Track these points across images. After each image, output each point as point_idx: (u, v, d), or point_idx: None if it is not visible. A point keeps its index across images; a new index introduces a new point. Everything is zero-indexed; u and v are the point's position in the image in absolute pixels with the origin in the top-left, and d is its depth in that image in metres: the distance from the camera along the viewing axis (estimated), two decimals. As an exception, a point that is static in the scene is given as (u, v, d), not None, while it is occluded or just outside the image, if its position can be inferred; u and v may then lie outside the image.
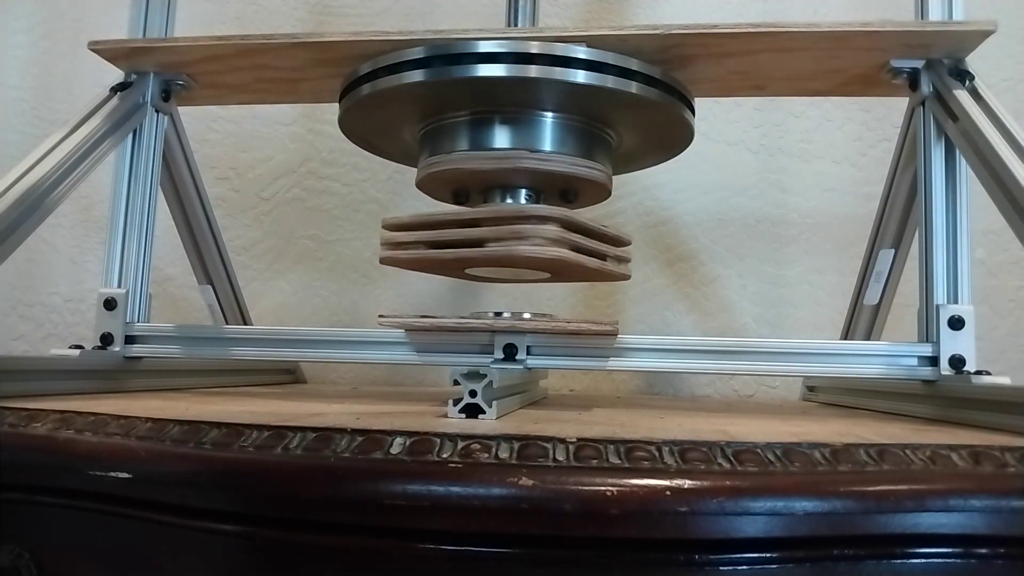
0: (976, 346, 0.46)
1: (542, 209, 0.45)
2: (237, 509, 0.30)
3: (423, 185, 0.53)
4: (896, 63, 0.51)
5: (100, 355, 0.52)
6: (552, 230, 0.44)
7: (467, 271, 0.51)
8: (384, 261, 0.49)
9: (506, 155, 0.49)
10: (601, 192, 0.53)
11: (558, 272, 0.50)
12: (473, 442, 0.30)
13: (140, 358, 0.53)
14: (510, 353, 0.47)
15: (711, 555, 0.28)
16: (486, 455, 0.29)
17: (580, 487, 0.27)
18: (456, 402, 0.37)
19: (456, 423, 0.34)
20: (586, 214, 0.47)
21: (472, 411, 0.37)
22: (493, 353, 0.47)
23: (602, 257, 0.48)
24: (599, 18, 0.83)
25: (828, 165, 0.78)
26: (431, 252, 0.47)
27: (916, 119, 0.51)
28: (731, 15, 0.80)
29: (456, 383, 0.37)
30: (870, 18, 0.49)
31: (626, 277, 0.50)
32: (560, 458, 0.29)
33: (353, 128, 0.55)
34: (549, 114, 0.49)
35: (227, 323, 0.67)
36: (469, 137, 0.50)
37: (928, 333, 0.47)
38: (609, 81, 0.46)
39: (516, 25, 0.56)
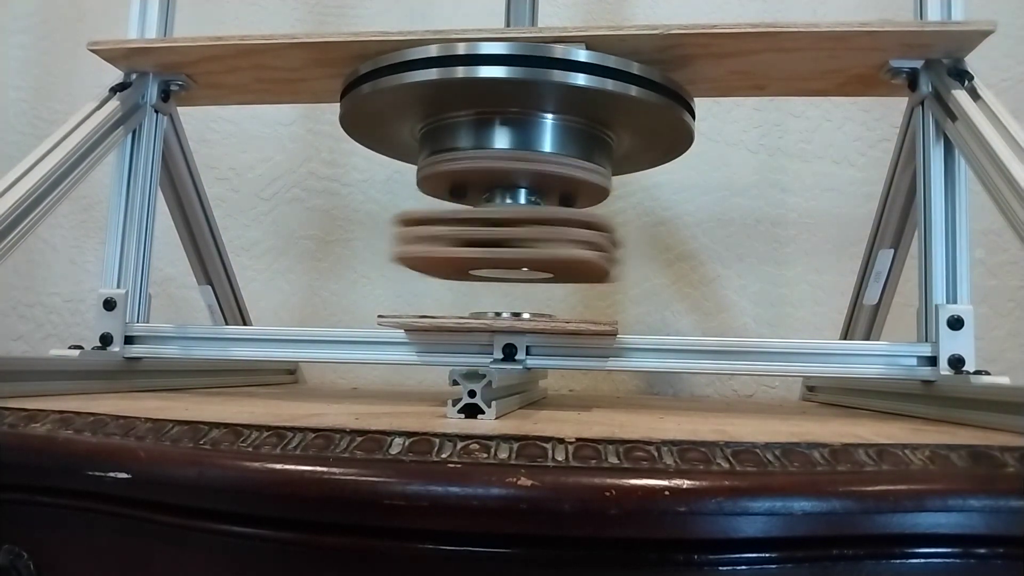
0: (975, 346, 0.46)
1: (578, 213, 0.45)
2: (236, 509, 0.30)
3: (423, 184, 0.53)
4: (895, 63, 0.51)
5: (100, 355, 0.52)
6: (585, 233, 0.44)
7: (471, 271, 0.51)
8: (401, 258, 0.47)
9: (505, 155, 0.49)
10: (600, 193, 0.53)
11: (566, 273, 0.49)
12: (472, 442, 0.30)
13: (140, 358, 0.53)
14: (509, 353, 0.47)
15: (710, 555, 0.28)
16: (485, 455, 0.29)
17: (579, 487, 0.27)
18: (455, 402, 0.37)
19: (455, 423, 0.34)
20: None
21: (471, 411, 0.37)
22: (492, 353, 0.47)
23: (614, 258, 0.47)
24: (598, 18, 0.83)
25: (827, 165, 0.78)
26: (460, 250, 0.45)
27: (915, 119, 0.51)
28: (731, 15, 0.80)
29: (455, 383, 0.37)
30: (869, 18, 0.49)
31: (606, 268, 0.48)
32: (559, 458, 0.29)
33: (354, 126, 0.55)
34: (549, 115, 0.49)
35: (227, 323, 0.67)
36: (469, 137, 0.50)
37: (927, 333, 0.47)
38: (608, 84, 0.46)
39: (515, 25, 0.56)
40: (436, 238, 0.46)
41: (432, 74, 0.46)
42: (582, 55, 0.46)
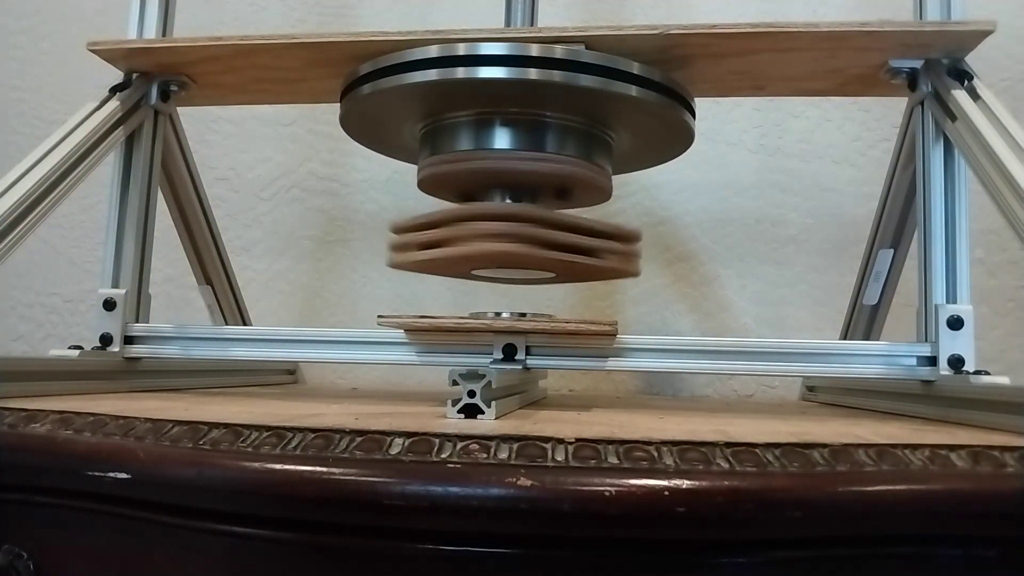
0: (975, 346, 0.46)
1: (497, 206, 0.45)
2: (236, 510, 0.30)
3: (423, 185, 0.53)
4: (895, 63, 0.51)
5: (99, 355, 0.52)
6: (500, 226, 0.44)
7: (472, 271, 0.51)
8: (393, 265, 0.49)
9: (506, 155, 0.49)
10: (601, 193, 0.53)
11: (560, 272, 0.49)
12: (472, 442, 0.30)
13: (139, 358, 0.53)
14: (509, 353, 0.47)
15: (709, 555, 0.28)
16: (485, 455, 0.29)
17: (579, 487, 0.27)
18: (455, 402, 0.37)
19: (455, 423, 0.34)
20: (586, 214, 0.47)
21: (471, 411, 0.37)
22: (492, 353, 0.47)
23: (573, 250, 0.46)
24: (598, 18, 0.83)
25: (827, 165, 0.78)
26: (419, 253, 0.47)
27: (915, 119, 0.51)
28: (730, 15, 0.80)
29: (455, 383, 0.37)
30: (869, 18, 0.49)
31: (631, 274, 0.49)
32: (559, 458, 0.29)
33: (354, 126, 0.55)
34: (549, 114, 0.49)
35: (227, 323, 0.67)
36: (469, 137, 0.50)
37: (927, 333, 0.47)
38: (609, 83, 0.46)
39: (515, 25, 0.56)
40: (410, 244, 0.46)
41: (432, 75, 0.46)
42: (582, 55, 0.46)
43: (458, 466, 0.28)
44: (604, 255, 0.47)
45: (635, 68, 0.47)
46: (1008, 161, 0.42)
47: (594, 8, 0.83)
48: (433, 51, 0.47)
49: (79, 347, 0.51)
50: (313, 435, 0.31)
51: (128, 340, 0.53)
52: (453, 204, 0.55)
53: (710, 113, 0.78)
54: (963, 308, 0.46)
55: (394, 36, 0.49)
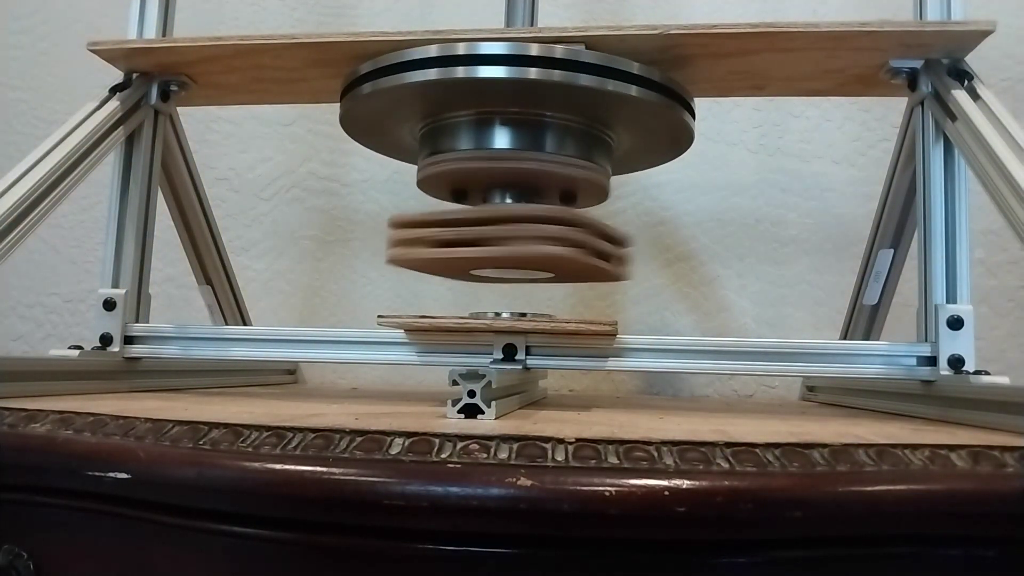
0: (975, 346, 0.46)
1: (553, 209, 0.45)
2: (236, 510, 0.30)
3: (423, 185, 0.53)
4: (895, 63, 0.51)
5: (99, 355, 0.52)
6: (564, 230, 0.44)
7: (471, 271, 0.51)
8: (393, 261, 0.48)
9: (505, 155, 0.49)
10: (600, 193, 0.53)
11: (562, 272, 0.49)
12: (472, 442, 0.30)
13: (139, 358, 0.53)
14: (509, 353, 0.47)
15: (709, 555, 0.28)
16: (485, 455, 0.29)
17: (579, 487, 0.27)
18: (455, 402, 0.37)
19: (455, 423, 0.34)
20: (587, 214, 0.47)
21: (471, 411, 0.37)
22: (492, 353, 0.47)
23: (607, 258, 0.47)
24: (598, 18, 0.83)
25: (827, 165, 0.78)
26: (441, 251, 0.46)
27: (915, 119, 0.51)
28: (730, 15, 0.80)
29: (455, 383, 0.37)
30: (869, 18, 0.49)
31: (627, 277, 0.50)
32: (559, 458, 0.29)
33: (354, 126, 0.55)
34: (549, 115, 0.49)
35: (227, 323, 0.67)
36: (469, 137, 0.50)
37: (927, 333, 0.47)
38: (609, 83, 0.46)
39: (515, 25, 0.56)
40: (422, 240, 0.46)
41: (432, 74, 0.46)
42: (582, 55, 0.46)
43: (458, 466, 0.28)
44: (617, 260, 0.48)
45: (635, 68, 0.47)
46: (1008, 161, 0.42)
47: (594, 8, 0.83)
48: (433, 51, 0.47)
49: (79, 347, 0.51)
50: (313, 435, 0.31)
51: (128, 340, 0.53)
52: (455, 205, 0.55)
53: (710, 113, 0.78)
54: (963, 308, 0.46)
55: (394, 36, 0.49)
